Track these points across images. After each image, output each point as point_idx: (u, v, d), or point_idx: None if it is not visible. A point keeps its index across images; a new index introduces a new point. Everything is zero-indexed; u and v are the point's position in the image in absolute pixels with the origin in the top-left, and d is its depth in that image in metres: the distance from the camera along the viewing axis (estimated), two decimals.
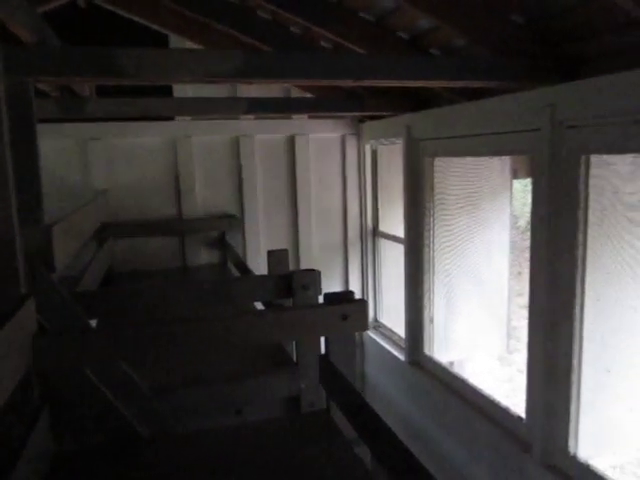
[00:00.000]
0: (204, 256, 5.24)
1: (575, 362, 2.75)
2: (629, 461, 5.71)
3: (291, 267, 3.78)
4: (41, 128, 2.31)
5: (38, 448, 1.85)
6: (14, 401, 1.73)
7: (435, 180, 4.11)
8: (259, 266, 4.53)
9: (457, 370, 4.23)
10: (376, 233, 5.41)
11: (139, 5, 4.58)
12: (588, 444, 2.80)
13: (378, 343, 5.18)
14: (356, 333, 2.39)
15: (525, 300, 3.15)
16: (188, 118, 5.04)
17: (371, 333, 5.36)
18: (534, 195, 2.97)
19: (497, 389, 6.95)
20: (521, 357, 3.97)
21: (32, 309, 1.85)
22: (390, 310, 5.33)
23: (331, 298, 2.14)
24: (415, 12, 3.02)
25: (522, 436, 3.17)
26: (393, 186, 5.12)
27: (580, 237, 2.67)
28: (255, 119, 5.18)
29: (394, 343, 5.03)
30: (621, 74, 2.31)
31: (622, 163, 2.64)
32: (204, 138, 5.13)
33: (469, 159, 4.05)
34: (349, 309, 2.09)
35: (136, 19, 4.65)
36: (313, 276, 2.61)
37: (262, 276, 3.03)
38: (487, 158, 4.03)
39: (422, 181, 4.17)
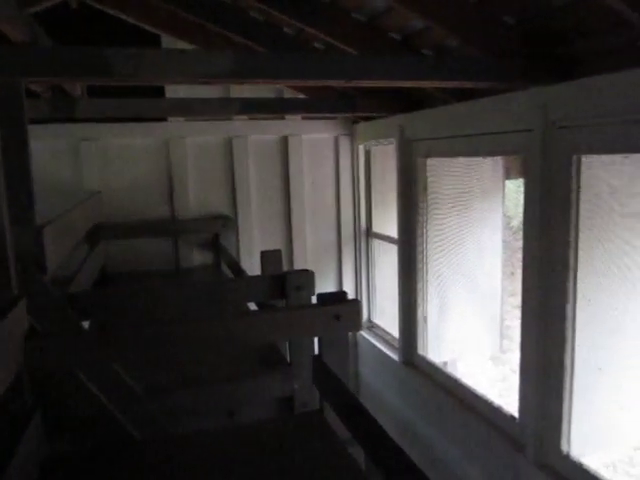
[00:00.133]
0: (197, 257, 5.23)
1: (567, 361, 2.76)
2: (621, 459, 5.75)
3: (285, 268, 3.79)
4: (32, 129, 2.30)
5: (29, 451, 1.83)
6: (5, 403, 1.72)
7: (428, 180, 4.12)
8: (253, 267, 4.53)
9: (450, 370, 4.24)
10: (370, 233, 5.42)
11: (131, 5, 4.56)
12: (581, 443, 2.81)
13: (372, 343, 5.18)
14: (350, 333, 2.39)
15: (518, 300, 3.16)
16: (181, 119, 5.03)
17: (365, 333, 5.37)
18: (526, 195, 2.98)
19: (490, 388, 6.98)
20: (514, 357, 3.98)
21: (23, 310, 1.84)
22: (384, 310, 5.34)
23: (324, 298, 2.15)
24: (407, 12, 3.02)
25: (515, 435, 3.18)
26: (386, 187, 5.13)
27: (572, 237, 2.68)
28: (248, 120, 5.17)
29: (388, 343, 5.03)
30: (613, 74, 2.33)
31: (613, 163, 2.66)
32: (197, 139, 5.12)
33: (462, 159, 4.07)
34: (342, 309, 2.09)
35: (128, 19, 4.63)
36: (307, 277, 2.62)
37: (256, 277, 3.03)
38: (480, 158, 4.04)
39: (415, 182, 4.18)
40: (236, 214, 5.25)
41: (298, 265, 5.27)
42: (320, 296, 2.18)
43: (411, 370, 4.38)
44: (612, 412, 2.85)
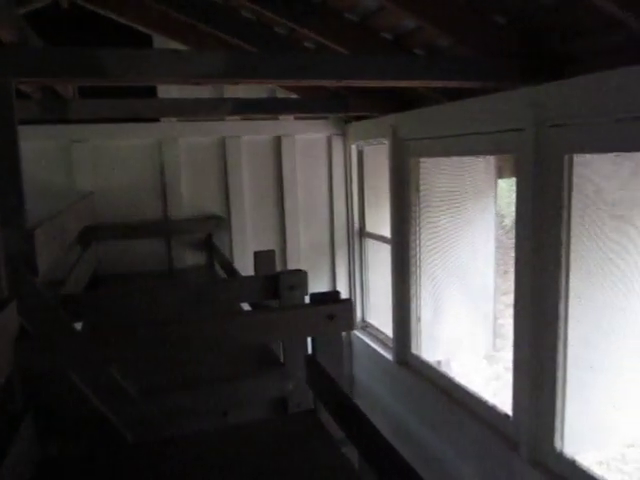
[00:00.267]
0: (190, 257, 5.22)
1: (560, 360, 2.77)
2: (614, 457, 5.77)
3: (278, 268, 3.78)
4: (22, 130, 2.28)
5: (21, 454, 1.82)
6: None
7: (421, 180, 4.13)
8: (246, 267, 4.51)
9: (444, 369, 4.25)
10: (363, 233, 5.42)
11: (122, 5, 4.55)
12: (574, 441, 2.82)
13: (366, 343, 5.18)
14: (343, 333, 2.39)
15: (511, 298, 3.17)
16: (174, 119, 5.02)
17: (359, 333, 5.37)
18: (518, 194, 2.99)
19: (484, 387, 7.00)
20: (508, 355, 4.00)
21: (14, 312, 1.83)
22: (378, 310, 5.34)
23: (317, 298, 2.15)
24: (399, 12, 3.02)
25: (509, 434, 3.18)
26: (379, 186, 5.13)
27: (564, 236, 2.69)
28: (241, 120, 5.16)
29: (382, 343, 5.04)
30: (604, 73, 2.33)
31: (604, 162, 2.67)
32: (190, 139, 5.11)
33: (454, 159, 4.07)
34: (335, 309, 2.09)
35: (119, 20, 4.62)
36: (300, 277, 2.61)
37: (249, 277, 3.03)
38: (472, 158, 4.05)
39: (408, 181, 4.18)
40: (229, 214, 5.24)
41: (291, 265, 5.27)
42: (313, 296, 2.18)
43: (405, 369, 4.38)
44: (605, 410, 2.86)
